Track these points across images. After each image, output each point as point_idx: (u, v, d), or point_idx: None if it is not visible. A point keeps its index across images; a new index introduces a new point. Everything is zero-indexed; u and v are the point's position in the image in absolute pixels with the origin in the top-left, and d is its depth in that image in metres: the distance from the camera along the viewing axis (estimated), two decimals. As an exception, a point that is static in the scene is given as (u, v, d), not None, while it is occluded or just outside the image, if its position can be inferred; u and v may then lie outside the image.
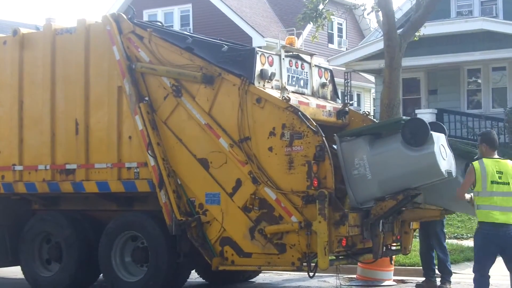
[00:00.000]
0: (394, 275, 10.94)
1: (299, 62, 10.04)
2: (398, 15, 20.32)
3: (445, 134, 9.16)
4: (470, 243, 13.18)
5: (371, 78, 29.90)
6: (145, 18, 29.99)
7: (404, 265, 11.81)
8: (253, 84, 9.09)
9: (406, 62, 18.38)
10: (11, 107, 10.68)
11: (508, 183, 7.84)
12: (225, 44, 9.66)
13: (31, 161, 10.48)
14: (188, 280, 10.23)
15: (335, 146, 9.19)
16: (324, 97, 10.42)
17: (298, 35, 26.48)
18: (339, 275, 9.99)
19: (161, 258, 9.50)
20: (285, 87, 9.59)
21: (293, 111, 8.80)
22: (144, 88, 9.77)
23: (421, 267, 10.45)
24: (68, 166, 10.20)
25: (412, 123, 8.79)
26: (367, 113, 10.71)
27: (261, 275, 11.59)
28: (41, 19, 69.10)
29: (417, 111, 23.16)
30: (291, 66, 9.85)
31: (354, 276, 11.08)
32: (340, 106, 10.36)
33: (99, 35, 10.07)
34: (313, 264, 8.67)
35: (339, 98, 10.91)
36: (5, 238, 10.79)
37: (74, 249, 10.18)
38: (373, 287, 10.66)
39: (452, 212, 9.38)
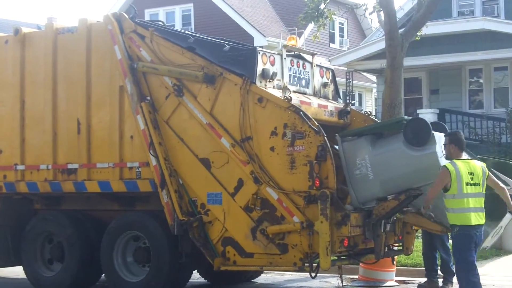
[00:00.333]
0: (396, 275, 10.93)
1: (301, 62, 10.03)
2: (399, 15, 20.28)
3: None
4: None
5: (373, 77, 29.87)
6: (147, 17, 29.99)
7: (406, 266, 11.80)
8: (255, 83, 9.08)
9: (408, 61, 18.35)
10: (13, 107, 10.68)
11: (479, 184, 7.89)
12: (227, 44, 9.65)
13: (33, 161, 10.48)
14: (190, 280, 10.22)
15: (336, 147, 9.18)
16: (325, 97, 10.41)
17: (300, 35, 26.48)
18: (341, 275, 9.95)
19: (163, 258, 9.49)
20: (286, 86, 9.58)
21: (295, 110, 8.79)
22: (146, 88, 9.76)
23: (423, 268, 10.44)
24: (70, 166, 10.19)
25: (414, 123, 8.77)
26: (369, 113, 10.69)
27: (263, 275, 11.58)
28: (43, 18, 69.18)
29: (418, 111, 23.13)
30: (292, 66, 9.84)
31: (356, 276, 11.07)
32: (342, 106, 10.35)
33: (101, 34, 10.07)
34: (315, 265, 8.66)
35: (340, 98, 10.90)
36: (7, 238, 10.78)
37: (76, 249, 10.18)
38: (374, 287, 10.66)
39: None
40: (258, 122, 8.99)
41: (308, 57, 10.21)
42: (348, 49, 29.97)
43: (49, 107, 10.38)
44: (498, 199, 8.64)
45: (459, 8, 25.11)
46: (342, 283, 10.15)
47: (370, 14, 16.33)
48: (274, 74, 9.37)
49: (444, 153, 8.45)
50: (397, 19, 14.78)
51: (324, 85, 10.45)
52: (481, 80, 24.15)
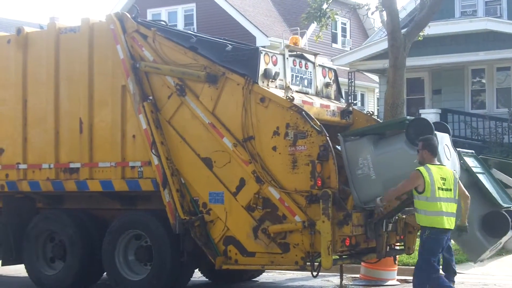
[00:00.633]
0: (397, 274, 10.94)
1: (303, 62, 10.04)
2: (402, 15, 20.27)
3: (449, 134, 9.15)
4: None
5: (375, 77, 29.86)
6: (149, 17, 30.00)
7: (408, 265, 11.80)
8: (257, 83, 9.09)
9: (410, 62, 18.35)
10: (15, 106, 10.70)
11: (451, 189, 7.93)
12: (229, 44, 9.66)
13: (35, 160, 10.50)
14: (191, 279, 10.24)
15: (338, 147, 9.19)
16: (328, 97, 10.42)
17: (302, 35, 26.45)
18: (342, 274, 9.96)
19: (164, 257, 9.50)
20: (289, 86, 9.59)
21: (297, 110, 8.80)
22: (148, 87, 9.78)
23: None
24: (72, 165, 10.21)
25: (417, 123, 8.78)
26: (371, 113, 10.69)
27: (264, 274, 11.59)
28: (45, 18, 69.23)
29: (421, 111, 23.12)
30: (295, 66, 9.85)
31: (358, 275, 11.08)
32: (344, 106, 10.35)
33: (103, 34, 10.08)
34: (316, 264, 8.68)
35: (343, 98, 10.91)
36: (9, 236, 10.79)
37: (78, 247, 10.20)
38: (377, 287, 10.66)
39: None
40: (260, 122, 9.00)
41: (310, 57, 10.22)
42: (350, 49, 29.96)
43: (51, 107, 10.40)
44: (498, 216, 8.66)
45: (461, 8, 25.10)
46: (342, 282, 10.16)
47: (372, 14, 16.36)
48: (277, 74, 9.38)
49: (451, 153, 8.49)
50: (400, 19, 14.78)
51: (327, 85, 10.45)
52: (483, 80, 24.13)
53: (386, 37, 15.07)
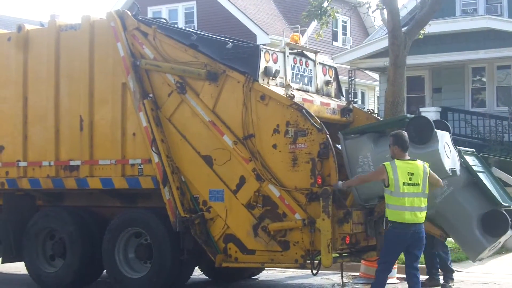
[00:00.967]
0: (397, 273, 10.93)
1: (304, 60, 10.04)
2: (402, 13, 20.24)
3: (449, 132, 9.16)
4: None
5: (376, 76, 29.85)
6: (150, 15, 29.99)
7: (408, 263, 11.79)
8: (257, 81, 9.10)
9: (411, 60, 18.34)
10: (16, 104, 10.70)
11: (418, 184, 7.98)
12: (230, 41, 9.66)
13: (35, 157, 10.50)
14: (191, 276, 10.24)
15: (338, 146, 9.19)
16: (328, 95, 10.42)
17: (303, 33, 26.33)
18: (342, 272, 9.96)
19: (164, 254, 9.51)
20: (289, 84, 9.59)
21: (297, 108, 8.80)
22: (149, 85, 9.77)
23: (425, 265, 10.45)
24: (72, 163, 10.21)
25: (417, 121, 8.79)
26: (371, 111, 10.70)
27: (264, 272, 11.59)
28: (46, 15, 69.15)
29: (421, 109, 23.12)
30: (295, 64, 9.84)
31: (358, 273, 11.08)
32: (344, 104, 10.36)
33: (104, 31, 10.08)
34: (316, 262, 8.69)
35: (343, 96, 10.91)
36: (9, 234, 10.80)
37: (78, 245, 10.20)
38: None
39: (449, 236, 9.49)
40: (261, 120, 9.01)
41: (311, 55, 10.22)
42: (351, 47, 29.95)
43: (52, 104, 10.40)
44: (497, 215, 8.65)
45: (462, 6, 25.08)
46: (343, 280, 10.16)
47: (373, 12, 16.31)
48: (277, 71, 9.39)
49: (451, 151, 8.47)
50: (400, 18, 14.76)
51: (327, 83, 10.45)
52: (484, 79, 24.13)
53: (387, 35, 15.05)
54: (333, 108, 10.07)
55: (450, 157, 8.77)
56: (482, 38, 22.25)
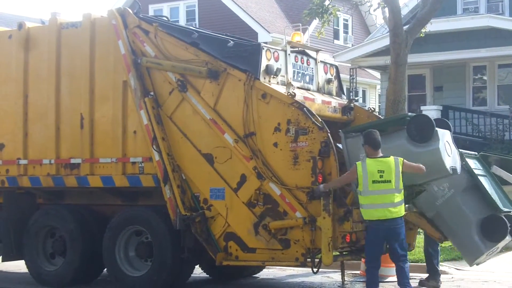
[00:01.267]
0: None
1: (305, 58, 10.02)
2: (404, 12, 20.23)
3: (450, 131, 9.14)
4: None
5: (377, 74, 29.82)
6: (151, 13, 29.96)
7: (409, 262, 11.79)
8: (259, 79, 9.09)
9: (412, 58, 18.31)
10: (16, 101, 10.69)
11: (390, 181, 8.10)
12: (231, 40, 9.66)
13: (36, 155, 10.49)
14: (192, 275, 10.24)
15: (339, 145, 9.18)
16: (329, 93, 10.41)
17: (304, 31, 26.39)
18: (343, 271, 9.95)
19: (165, 253, 9.50)
20: (290, 82, 9.58)
21: (299, 107, 8.80)
22: (150, 83, 9.77)
23: (425, 263, 10.44)
24: (72, 161, 10.21)
25: (418, 119, 8.78)
26: (372, 109, 10.69)
27: (265, 270, 11.59)
28: (47, 13, 69.12)
29: (422, 107, 23.09)
30: (296, 62, 9.83)
31: (358, 272, 11.08)
32: (346, 102, 10.34)
33: (105, 29, 10.07)
34: (317, 260, 8.69)
35: (344, 94, 10.90)
36: (10, 232, 10.80)
37: (78, 243, 10.20)
38: (380, 283, 10.63)
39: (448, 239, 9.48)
40: (262, 118, 9.00)
41: (312, 53, 10.21)
42: (352, 45, 29.92)
43: (53, 102, 10.39)
44: (497, 220, 8.61)
45: (463, 5, 25.06)
46: (344, 278, 10.16)
47: (374, 10, 16.30)
48: (278, 70, 9.37)
49: (452, 149, 8.45)
50: (402, 16, 14.75)
51: (328, 81, 10.44)
52: (485, 77, 24.10)
53: (388, 33, 15.03)
54: (334, 106, 10.06)
55: (451, 156, 8.76)
56: (483, 36, 22.22)
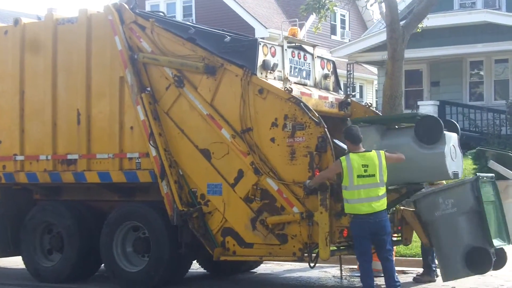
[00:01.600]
0: (395, 265, 10.92)
1: (302, 53, 10.02)
2: (401, 7, 20.23)
3: (458, 134, 9.11)
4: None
5: (374, 69, 29.85)
6: (147, 8, 29.95)
7: (405, 256, 11.81)
8: (256, 75, 9.08)
9: (409, 53, 18.33)
10: (13, 97, 10.67)
11: (374, 175, 8.14)
12: (228, 35, 9.64)
13: (33, 151, 10.48)
14: (189, 270, 10.24)
15: (336, 141, 9.19)
16: (326, 88, 10.41)
17: (301, 26, 26.42)
18: (341, 265, 9.97)
19: (162, 248, 9.51)
20: (287, 78, 9.58)
21: (295, 102, 8.80)
22: (146, 79, 9.75)
23: (422, 258, 10.45)
24: (69, 156, 10.19)
25: (427, 120, 8.78)
26: (369, 104, 10.68)
27: (262, 265, 11.60)
28: (43, 9, 69.01)
29: (419, 102, 23.14)
30: (293, 57, 9.83)
31: (355, 266, 11.08)
32: (343, 98, 10.35)
33: (101, 25, 10.05)
34: (314, 255, 8.69)
35: (341, 90, 10.91)
36: (7, 228, 10.79)
37: (76, 239, 10.19)
38: (375, 278, 10.65)
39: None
40: (259, 113, 8.99)
41: (309, 49, 10.20)
42: (349, 41, 29.94)
43: (49, 98, 10.37)
44: (484, 255, 8.51)
45: (460, 0, 25.08)
46: (342, 273, 10.17)
47: (371, 5, 16.30)
48: (275, 65, 9.37)
49: (457, 154, 8.42)
50: (399, 11, 14.75)
51: (325, 76, 10.44)
52: (481, 72, 24.15)
53: (385, 29, 15.03)
54: (331, 101, 10.06)
55: (455, 160, 8.73)
56: (480, 31, 22.26)
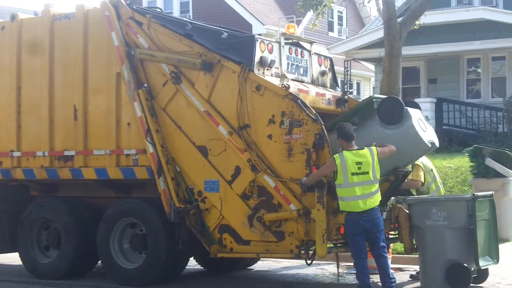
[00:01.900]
0: (391, 263, 10.93)
1: (299, 50, 10.01)
2: (398, 4, 20.21)
3: (420, 110, 9.20)
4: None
5: (371, 66, 29.82)
6: (144, 4, 29.86)
7: (402, 253, 11.81)
8: (253, 71, 9.07)
9: (406, 50, 18.33)
10: (9, 93, 10.65)
11: (368, 172, 8.17)
12: (225, 31, 9.63)
13: (29, 147, 10.47)
14: (186, 267, 10.24)
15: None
16: (323, 85, 10.40)
17: (298, 23, 26.39)
18: (338, 263, 9.97)
19: (159, 245, 9.50)
20: (284, 74, 9.56)
21: (293, 98, 8.79)
22: (143, 75, 9.74)
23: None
24: (66, 153, 10.18)
25: (386, 102, 8.94)
26: (367, 101, 10.67)
27: (259, 262, 11.60)
28: (40, 4, 68.77)
29: (416, 100, 23.07)
30: (291, 54, 9.82)
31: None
32: (340, 95, 10.34)
33: (98, 21, 10.03)
34: (311, 252, 8.70)
35: (338, 87, 10.89)
36: (4, 224, 10.79)
37: (73, 235, 10.18)
38: (371, 275, 10.66)
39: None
40: (256, 110, 8.98)
41: (306, 45, 10.19)
42: (346, 37, 29.91)
43: (46, 94, 10.35)
44: (464, 273, 8.48)
45: (458, -3, 25.06)
46: (339, 270, 10.17)
47: (369, 2, 16.35)
48: (272, 62, 9.36)
49: (426, 126, 8.45)
50: (396, 8, 14.76)
51: (322, 73, 10.43)
52: (479, 70, 24.13)
53: (382, 25, 15.04)
54: (329, 98, 10.05)
55: (426, 131, 8.85)
56: (477, 29, 22.24)
